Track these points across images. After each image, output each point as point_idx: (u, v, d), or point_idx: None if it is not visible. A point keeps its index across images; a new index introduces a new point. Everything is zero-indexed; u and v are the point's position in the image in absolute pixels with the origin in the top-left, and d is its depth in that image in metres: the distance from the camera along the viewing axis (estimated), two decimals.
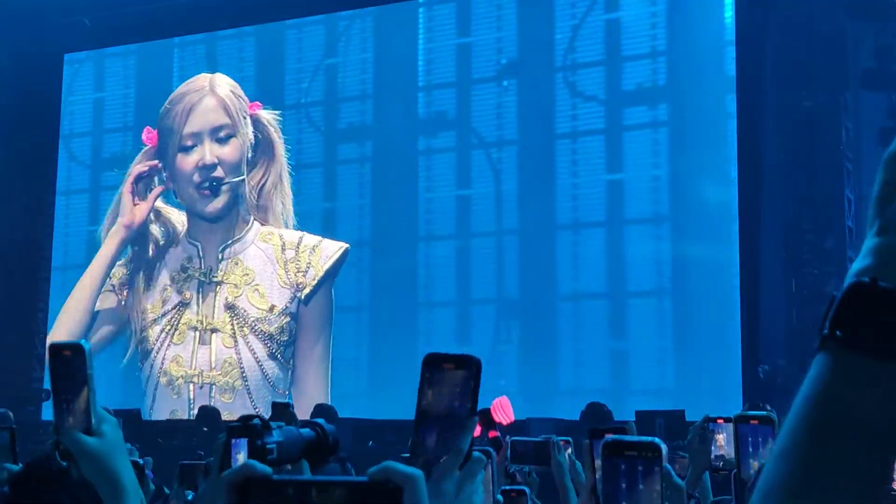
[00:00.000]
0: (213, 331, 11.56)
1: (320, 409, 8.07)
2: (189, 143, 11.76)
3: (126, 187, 12.15)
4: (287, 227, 11.60)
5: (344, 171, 11.75)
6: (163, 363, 11.75)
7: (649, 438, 1.42)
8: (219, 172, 11.63)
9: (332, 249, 11.33)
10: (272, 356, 11.34)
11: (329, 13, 11.89)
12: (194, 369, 11.49)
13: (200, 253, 11.82)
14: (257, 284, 11.48)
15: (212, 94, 11.79)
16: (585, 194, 10.39)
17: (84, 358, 1.52)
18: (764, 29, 9.32)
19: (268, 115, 11.80)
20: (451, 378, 1.28)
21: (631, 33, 10.38)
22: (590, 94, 10.49)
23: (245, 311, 11.48)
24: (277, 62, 12.17)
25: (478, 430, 2.82)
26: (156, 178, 12.11)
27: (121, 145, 12.82)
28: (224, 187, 11.63)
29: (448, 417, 1.26)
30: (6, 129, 12.83)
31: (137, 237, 12.11)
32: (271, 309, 11.38)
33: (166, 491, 4.37)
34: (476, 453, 1.27)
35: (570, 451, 3.63)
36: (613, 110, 10.39)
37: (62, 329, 11.94)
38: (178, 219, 12.01)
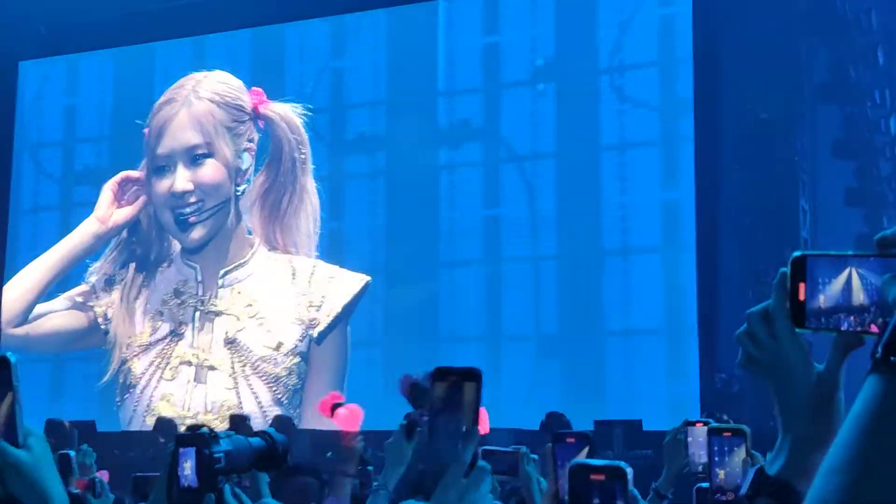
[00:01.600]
0: (211, 368, 10.08)
1: (278, 421, 7.96)
2: (161, 164, 10.36)
3: (111, 184, 10.66)
4: (298, 251, 10.17)
5: (353, 187, 10.38)
6: (150, 401, 10.24)
7: (615, 463, 1.43)
8: (193, 199, 10.20)
9: (351, 282, 9.91)
10: (277, 401, 9.89)
11: (336, 15, 10.53)
12: (187, 410, 9.99)
13: (198, 276, 10.34)
14: (263, 318, 10.04)
15: (187, 106, 10.32)
16: (635, 215, 9.10)
17: (9, 370, 1.46)
18: (719, 44, 9.16)
19: (280, 110, 10.33)
20: (456, 390, 1.32)
21: (687, 31, 9.13)
22: (640, 99, 9.21)
23: (248, 347, 10.02)
24: (276, 64, 10.80)
25: None
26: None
27: (95, 156, 11.36)
28: (202, 215, 10.20)
29: (452, 428, 1.30)
30: None
31: (127, 246, 10.60)
32: (278, 347, 9.93)
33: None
34: (481, 462, 1.31)
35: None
36: (668, 118, 9.12)
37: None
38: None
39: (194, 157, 10.23)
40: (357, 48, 10.53)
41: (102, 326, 10.63)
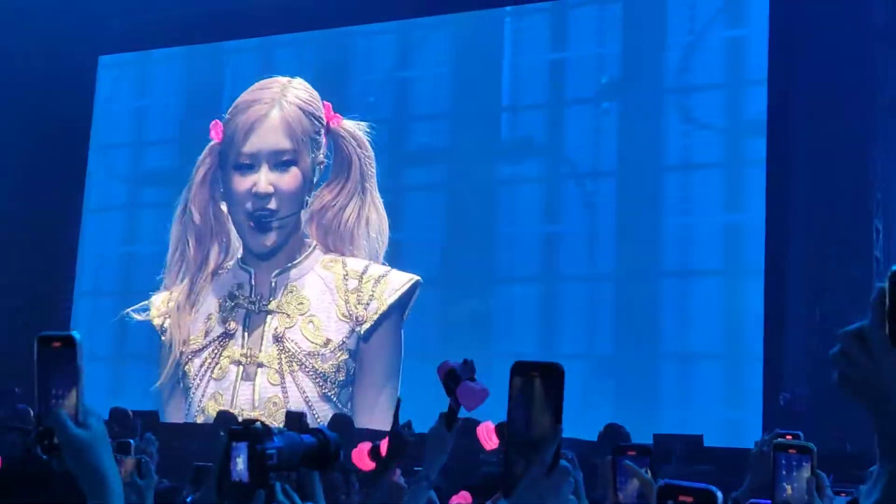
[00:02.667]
0: (259, 365, 10.16)
1: (335, 419, 7.96)
2: (246, 161, 10.38)
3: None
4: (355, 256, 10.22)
5: (412, 199, 10.38)
6: (201, 400, 10.36)
7: (705, 486, 1.32)
8: (272, 204, 10.23)
9: (399, 281, 9.92)
10: (325, 397, 9.93)
11: (403, 20, 10.54)
12: (234, 408, 10.08)
13: (252, 280, 10.43)
14: (313, 315, 10.09)
15: (279, 108, 10.38)
16: (696, 237, 8.96)
17: (76, 349, 1.52)
18: (793, 65, 8.94)
19: (350, 128, 10.38)
20: (537, 386, 1.34)
21: (756, 54, 8.97)
22: (706, 121, 9.07)
23: (296, 343, 10.07)
24: (341, 73, 10.85)
25: (496, 444, 3.05)
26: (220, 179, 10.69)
27: (164, 158, 11.53)
28: (275, 223, 10.25)
29: (534, 426, 1.30)
30: (30, 138, 11.55)
31: (183, 255, 10.68)
32: (326, 343, 9.98)
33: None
34: (563, 463, 1.28)
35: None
36: (734, 141, 8.97)
37: None
38: (237, 235, 10.63)
39: (280, 163, 10.25)
40: (422, 60, 10.54)
41: (163, 337, 10.77)
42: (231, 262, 10.57)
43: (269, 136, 10.28)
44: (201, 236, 10.61)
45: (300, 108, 10.33)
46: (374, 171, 10.22)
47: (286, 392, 10.01)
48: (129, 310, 10.97)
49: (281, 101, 10.35)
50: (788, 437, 3.21)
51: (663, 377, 8.92)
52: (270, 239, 10.26)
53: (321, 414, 9.71)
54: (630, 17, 9.61)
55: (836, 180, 8.83)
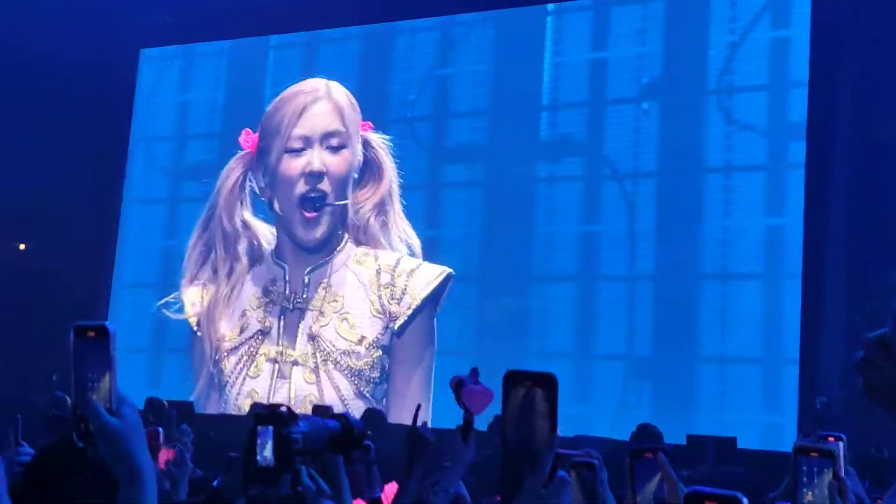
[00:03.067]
0: (294, 363, 10.23)
1: (369, 414, 8.04)
2: (298, 145, 10.43)
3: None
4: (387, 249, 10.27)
5: (451, 196, 10.39)
6: (237, 398, 10.45)
7: (731, 492, 1.28)
8: (325, 185, 10.30)
9: (431, 274, 9.94)
10: (360, 394, 9.97)
11: (444, 16, 10.55)
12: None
13: (286, 276, 10.50)
14: (347, 312, 10.14)
15: (328, 98, 10.49)
16: (737, 240, 8.89)
17: (108, 339, 1.55)
18: (835, 68, 8.86)
19: (378, 138, 10.47)
20: (532, 396, 1.31)
21: (799, 55, 8.88)
22: (747, 122, 9.00)
23: (331, 342, 10.13)
24: (383, 70, 10.88)
25: None
26: (248, 188, 10.81)
27: (205, 153, 11.63)
28: (327, 209, 10.30)
29: (531, 435, 1.29)
30: (72, 129, 11.69)
31: (209, 252, 10.79)
32: (360, 341, 10.02)
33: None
34: (561, 472, 1.27)
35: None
36: (776, 143, 8.88)
37: None
38: (265, 233, 10.71)
39: (331, 146, 10.30)
40: (463, 58, 10.54)
41: (198, 333, 10.86)
42: (264, 257, 10.65)
43: (322, 118, 10.39)
44: (230, 243, 10.71)
45: (348, 100, 10.42)
46: (399, 181, 10.29)
47: (321, 390, 10.07)
48: (160, 303, 11.08)
49: (329, 92, 10.45)
50: (831, 438, 3.09)
51: (701, 379, 8.86)
52: (320, 230, 10.30)
53: (356, 411, 9.74)
54: (672, 17, 9.55)
55: (876, 186, 8.76)
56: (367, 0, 10.70)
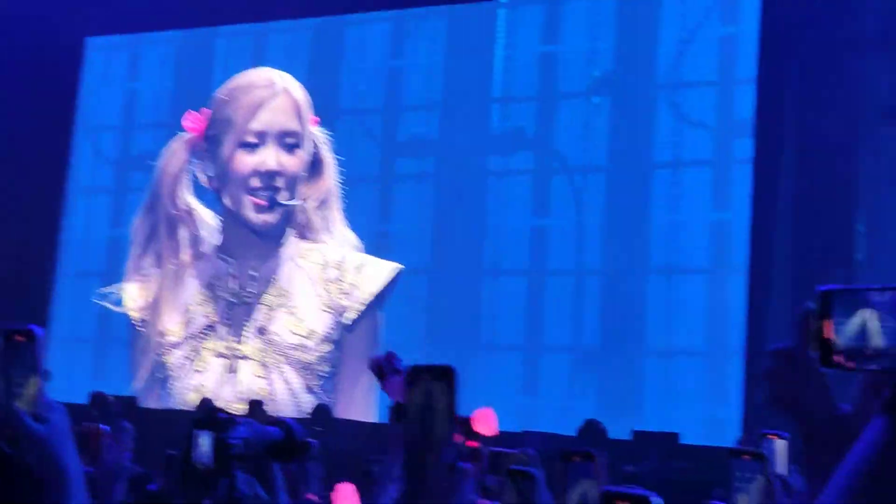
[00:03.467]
0: (243, 358, 10.15)
1: (317, 410, 8.10)
2: (253, 140, 10.30)
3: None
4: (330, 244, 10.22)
5: (402, 189, 10.37)
6: (182, 393, 10.34)
7: (643, 492, 1.30)
8: (279, 183, 10.20)
9: (381, 269, 9.92)
10: (310, 389, 9.93)
11: (397, 10, 10.51)
12: (218, 401, 10.06)
13: (232, 270, 10.40)
14: (294, 307, 10.08)
15: (286, 95, 10.35)
16: (684, 235, 8.98)
17: (36, 344, 1.52)
18: (783, 65, 8.90)
19: (321, 134, 10.39)
20: (432, 389, 1.32)
21: (747, 52, 8.97)
22: (696, 118, 9.08)
23: (280, 336, 10.07)
24: (334, 61, 10.82)
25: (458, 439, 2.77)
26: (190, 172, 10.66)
27: (153, 142, 11.48)
28: (279, 206, 10.22)
29: (432, 428, 1.29)
30: (15, 118, 11.47)
31: (153, 244, 10.64)
32: (310, 335, 9.97)
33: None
34: (461, 464, 1.30)
35: None
36: (724, 139, 8.98)
37: None
38: (209, 221, 10.59)
39: (287, 144, 10.21)
40: (415, 50, 10.51)
41: (140, 326, 10.73)
42: (207, 252, 10.53)
43: (280, 115, 10.27)
44: (173, 229, 10.57)
45: (305, 98, 10.33)
46: (340, 177, 10.27)
47: (272, 384, 10.01)
48: (101, 293, 10.89)
49: (287, 89, 10.34)
50: (773, 436, 3.13)
51: (647, 372, 8.95)
52: (274, 217, 10.20)
53: (306, 406, 9.71)
54: (623, 12, 9.61)
55: (822, 182, 8.88)
56: None
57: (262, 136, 10.23)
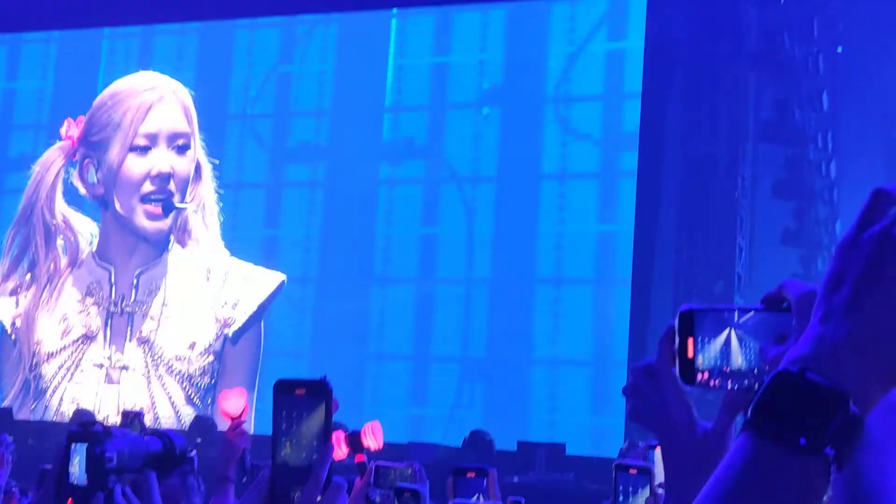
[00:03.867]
0: (123, 368, 9.88)
1: (197, 422, 7.98)
2: (143, 143, 10.05)
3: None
4: (212, 252, 10.04)
5: (290, 195, 10.27)
6: (59, 405, 10.01)
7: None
8: (172, 187, 9.97)
9: (266, 281, 9.79)
10: (190, 401, 9.73)
11: (289, 15, 10.41)
12: (97, 412, 9.78)
13: (112, 278, 10.12)
14: (177, 317, 9.87)
15: (174, 97, 10.14)
16: (571, 246, 9.11)
17: None
18: (667, 81, 9.12)
19: (198, 139, 10.23)
20: (304, 404, 1.27)
21: (633, 68, 9.17)
22: (584, 131, 9.24)
23: (161, 347, 9.84)
24: (222, 64, 10.65)
25: (345, 453, 3.17)
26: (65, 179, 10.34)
27: (31, 144, 11.11)
28: (171, 210, 9.99)
29: (304, 445, 1.27)
30: None
31: (26, 250, 10.29)
32: (192, 346, 9.78)
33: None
34: (336, 479, 1.27)
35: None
36: (610, 152, 9.16)
37: None
38: (85, 230, 10.29)
39: (178, 146, 9.99)
40: (306, 55, 10.43)
41: (12, 336, 10.36)
42: (85, 259, 10.24)
43: (169, 117, 10.07)
44: (49, 238, 10.27)
45: (191, 101, 10.15)
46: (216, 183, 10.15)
47: (153, 395, 9.78)
48: None
49: (175, 91, 10.14)
50: (658, 448, 3.23)
51: (533, 382, 9.04)
52: (167, 223, 9.98)
53: (186, 418, 9.51)
54: (513, 25, 9.72)
55: (704, 197, 9.10)
56: None
57: (153, 139, 10.02)
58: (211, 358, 9.79)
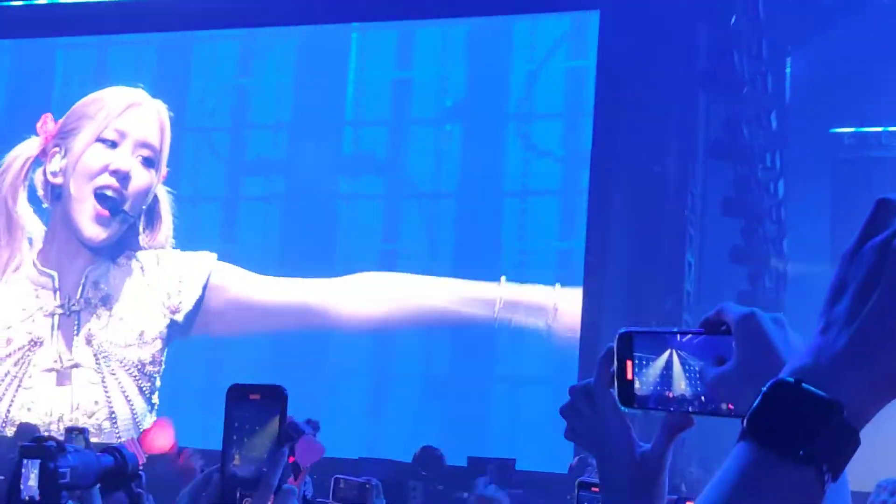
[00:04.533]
0: (74, 366, 9.73)
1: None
2: (113, 136, 9.90)
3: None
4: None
5: (247, 209, 10.18)
6: (8, 412, 9.80)
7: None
8: (128, 190, 9.83)
9: (204, 262, 9.71)
10: (142, 392, 9.63)
11: (249, 27, 10.34)
12: (51, 415, 9.61)
13: (56, 283, 9.95)
14: (124, 311, 9.74)
15: (156, 111, 10.04)
16: (531, 261, 9.16)
17: None
18: (619, 99, 9.19)
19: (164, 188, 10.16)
20: (258, 409, 1.25)
21: (588, 87, 9.27)
22: (544, 148, 9.30)
23: (110, 341, 9.71)
24: (180, 76, 10.53)
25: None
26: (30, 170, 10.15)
27: None
28: (119, 214, 9.85)
29: (257, 449, 1.25)
30: None
31: None
32: (141, 335, 9.66)
33: None
34: (287, 486, 1.26)
35: None
36: (569, 169, 9.23)
37: None
38: (35, 232, 10.10)
39: (144, 157, 9.87)
40: (264, 68, 10.37)
41: None
42: (23, 266, 10.06)
43: (144, 123, 9.93)
44: (14, 229, 10.11)
45: (168, 124, 10.02)
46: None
47: (107, 389, 9.64)
48: None
49: (158, 109, 10.04)
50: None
51: (493, 399, 9.06)
52: (109, 231, 9.84)
53: (139, 409, 9.44)
54: (474, 42, 9.76)
55: (654, 214, 9.16)
56: (164, 8, 10.28)
57: (122, 136, 9.88)
58: (160, 345, 9.69)
